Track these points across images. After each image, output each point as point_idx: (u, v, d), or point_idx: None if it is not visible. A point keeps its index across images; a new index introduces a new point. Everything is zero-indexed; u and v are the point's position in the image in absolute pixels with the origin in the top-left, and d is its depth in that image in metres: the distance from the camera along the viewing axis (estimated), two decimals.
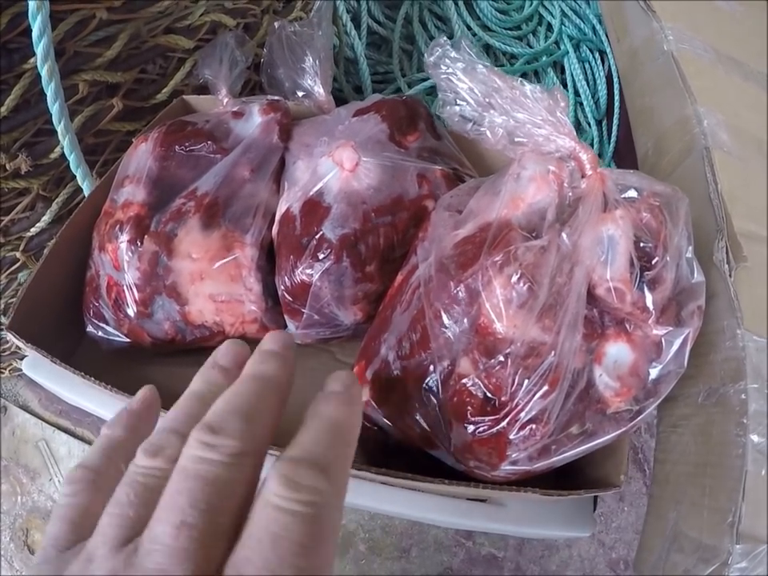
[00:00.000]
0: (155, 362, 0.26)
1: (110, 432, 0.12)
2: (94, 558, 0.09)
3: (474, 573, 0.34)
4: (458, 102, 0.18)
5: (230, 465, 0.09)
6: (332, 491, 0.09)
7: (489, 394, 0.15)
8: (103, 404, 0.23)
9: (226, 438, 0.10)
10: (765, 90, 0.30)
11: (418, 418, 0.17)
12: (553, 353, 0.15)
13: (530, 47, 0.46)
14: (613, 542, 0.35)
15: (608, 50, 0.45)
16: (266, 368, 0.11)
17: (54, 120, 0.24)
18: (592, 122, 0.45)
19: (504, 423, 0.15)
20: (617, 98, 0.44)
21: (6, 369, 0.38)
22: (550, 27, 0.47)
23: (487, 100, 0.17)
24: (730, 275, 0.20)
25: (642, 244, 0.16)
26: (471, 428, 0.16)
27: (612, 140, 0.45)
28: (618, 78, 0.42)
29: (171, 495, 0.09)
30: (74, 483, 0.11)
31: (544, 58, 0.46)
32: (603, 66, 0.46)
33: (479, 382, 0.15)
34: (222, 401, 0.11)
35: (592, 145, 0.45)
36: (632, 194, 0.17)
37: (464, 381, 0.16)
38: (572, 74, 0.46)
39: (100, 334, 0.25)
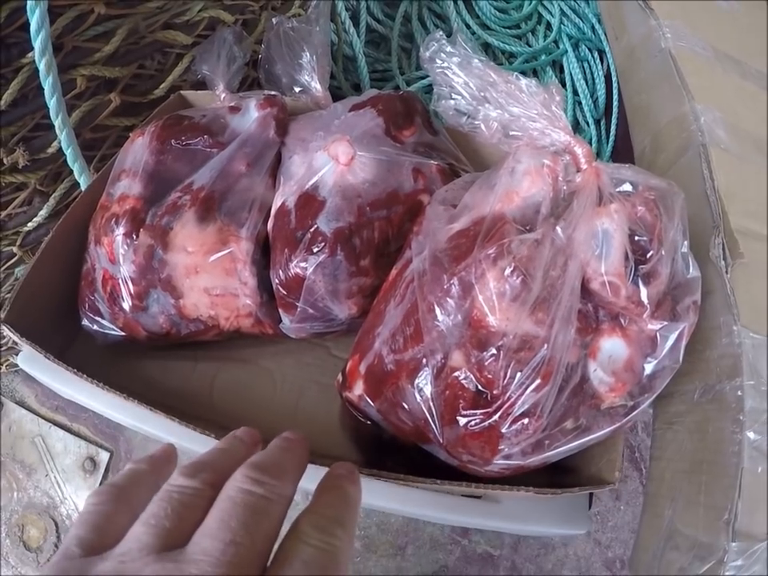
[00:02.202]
0: (150, 355, 0.26)
1: (136, 466, 0.14)
2: (128, 560, 0.11)
3: (469, 571, 0.33)
4: (453, 95, 0.18)
5: (271, 500, 0.12)
6: (345, 537, 0.12)
7: (481, 388, 0.15)
8: (97, 398, 0.23)
9: (270, 478, 0.12)
10: (763, 89, 0.30)
11: (410, 411, 0.17)
12: (545, 346, 0.15)
13: (529, 46, 0.46)
14: (609, 541, 0.35)
15: (607, 50, 0.45)
16: (289, 444, 0.14)
17: (52, 114, 0.24)
18: (590, 121, 0.45)
19: (496, 417, 0.15)
20: (615, 97, 0.44)
21: (2, 365, 0.38)
22: (549, 26, 0.47)
23: (482, 94, 0.17)
24: (727, 272, 0.20)
25: (636, 238, 0.15)
26: (463, 421, 0.16)
27: (610, 139, 0.45)
28: (617, 76, 0.42)
29: (221, 517, 0.11)
30: (99, 495, 0.12)
31: (543, 57, 0.46)
32: (602, 65, 0.46)
33: (471, 375, 0.15)
34: (260, 455, 0.13)
35: (590, 144, 0.45)
36: (627, 187, 0.16)
37: (456, 374, 0.16)
38: (571, 73, 0.46)
39: (95, 327, 0.25)
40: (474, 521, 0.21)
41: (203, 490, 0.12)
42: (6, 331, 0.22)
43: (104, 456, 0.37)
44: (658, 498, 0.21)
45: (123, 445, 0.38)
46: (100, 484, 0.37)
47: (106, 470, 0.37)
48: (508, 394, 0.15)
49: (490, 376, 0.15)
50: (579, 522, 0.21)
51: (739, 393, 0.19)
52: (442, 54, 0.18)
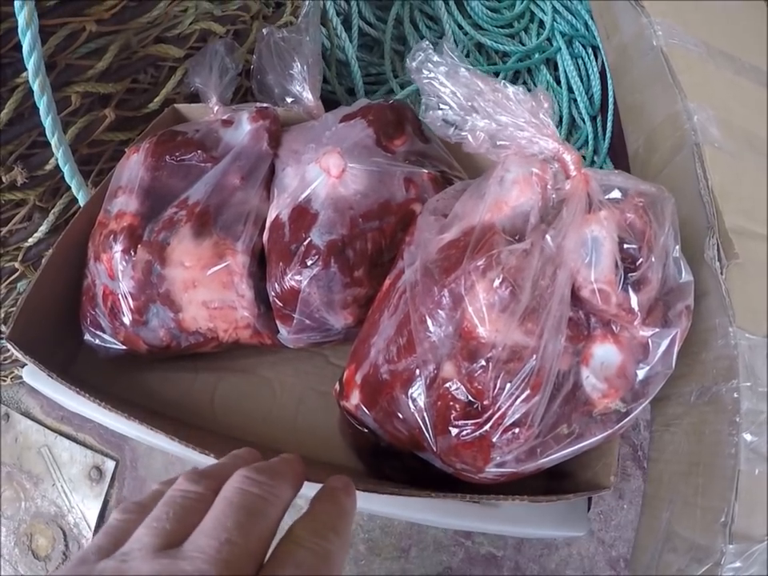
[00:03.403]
0: (152, 367, 0.27)
1: (161, 487, 0.14)
2: (129, 559, 0.11)
3: (473, 572, 0.34)
4: (441, 106, 0.18)
5: (267, 500, 0.12)
6: (338, 543, 0.12)
7: (471, 398, 0.16)
8: (100, 410, 0.23)
9: (267, 479, 0.13)
10: (758, 84, 0.30)
11: (405, 421, 0.17)
12: (535, 356, 0.15)
13: (522, 45, 0.46)
14: (612, 540, 0.35)
15: (601, 46, 0.44)
16: (286, 457, 0.15)
17: (48, 133, 0.24)
18: (586, 118, 0.45)
19: (487, 427, 0.15)
20: (611, 93, 0.43)
21: (7, 377, 0.38)
22: (541, 24, 0.47)
23: (470, 103, 0.17)
24: (722, 273, 0.20)
25: (626, 245, 0.16)
26: (455, 431, 0.16)
27: (607, 136, 0.44)
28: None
29: (218, 516, 0.12)
30: (125, 512, 0.13)
31: (536, 56, 0.45)
32: (596, 61, 0.46)
33: (462, 386, 0.16)
34: (259, 462, 0.14)
35: (587, 141, 0.45)
36: (616, 194, 0.17)
37: (447, 385, 0.16)
38: (565, 71, 0.46)
39: (97, 342, 0.25)
40: (472, 524, 0.21)
41: (206, 495, 0.12)
42: (10, 348, 0.22)
43: (110, 465, 0.38)
44: (656, 500, 0.22)
45: (129, 453, 0.38)
46: (106, 493, 0.38)
47: (112, 478, 0.38)
48: (498, 405, 0.15)
49: (480, 387, 0.15)
50: (577, 524, 0.21)
51: (735, 395, 0.19)
52: (429, 64, 0.18)
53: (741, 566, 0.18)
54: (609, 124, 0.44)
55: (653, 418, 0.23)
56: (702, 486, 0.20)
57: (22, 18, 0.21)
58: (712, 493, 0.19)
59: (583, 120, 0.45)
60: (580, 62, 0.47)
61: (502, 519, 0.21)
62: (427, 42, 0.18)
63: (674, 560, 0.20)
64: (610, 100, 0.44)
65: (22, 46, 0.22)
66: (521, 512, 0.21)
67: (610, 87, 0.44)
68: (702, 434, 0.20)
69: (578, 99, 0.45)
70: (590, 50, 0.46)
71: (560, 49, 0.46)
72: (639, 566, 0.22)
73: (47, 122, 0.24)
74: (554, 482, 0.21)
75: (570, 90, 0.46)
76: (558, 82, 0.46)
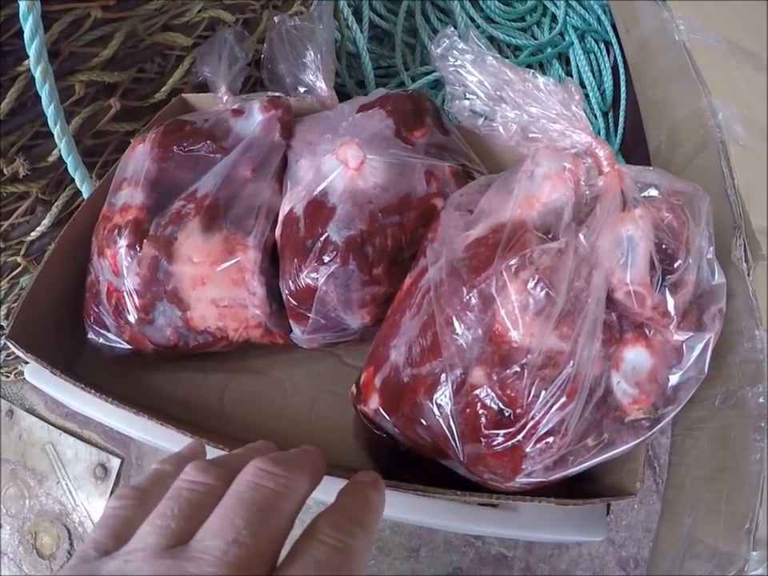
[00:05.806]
0: (159, 367, 0.26)
1: (161, 467, 0.13)
2: (133, 559, 0.10)
3: (483, 572, 0.33)
4: (468, 95, 0.17)
5: (281, 495, 0.11)
6: (363, 539, 0.12)
7: (503, 406, 0.15)
8: (105, 411, 0.23)
9: (283, 470, 0.12)
10: None
11: (429, 428, 0.17)
12: (571, 362, 0.14)
13: (535, 39, 0.45)
14: (623, 540, 0.35)
15: (613, 41, 0.44)
16: (305, 449, 0.14)
17: (50, 122, 0.23)
18: (598, 113, 0.44)
19: (520, 437, 0.15)
20: (623, 89, 0.43)
21: (11, 373, 0.37)
22: (554, 18, 0.46)
23: (498, 93, 0.16)
24: (749, 274, 0.20)
25: (663, 246, 0.15)
26: (485, 441, 0.15)
27: (619, 132, 0.44)
28: (626, 68, 0.41)
29: (226, 515, 0.11)
30: (122, 498, 0.12)
31: (549, 50, 0.45)
32: (609, 56, 0.45)
33: (493, 394, 0.15)
34: (275, 453, 0.13)
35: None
36: (652, 192, 0.16)
37: (477, 392, 0.15)
38: (577, 66, 0.45)
39: (101, 340, 0.24)
40: (490, 530, 0.21)
41: (215, 487, 0.12)
42: (11, 347, 0.21)
43: (115, 462, 0.37)
44: (678, 506, 0.21)
45: (134, 451, 0.38)
46: (111, 491, 0.37)
47: (118, 476, 0.37)
48: (532, 413, 0.14)
49: (512, 394, 0.15)
50: (597, 528, 0.21)
51: (761, 399, 0.19)
52: (454, 52, 0.17)
53: (764, 573, 0.18)
54: (621, 120, 0.43)
55: (674, 421, 0.22)
56: (726, 493, 0.19)
57: (23, 3, 0.20)
58: (736, 499, 0.19)
59: (595, 115, 0.44)
60: (592, 56, 0.46)
61: (521, 525, 0.20)
62: (452, 29, 0.17)
63: (696, 567, 0.19)
64: (622, 96, 0.43)
65: (23, 33, 0.21)
66: (540, 517, 0.21)
67: (622, 83, 0.43)
68: (727, 440, 0.20)
69: (590, 94, 0.44)
70: (602, 45, 0.46)
71: (572, 43, 0.45)
72: (659, 571, 0.22)
73: (50, 111, 0.23)
74: (576, 486, 0.21)
75: (582, 85, 0.45)
76: (570, 77, 0.45)
